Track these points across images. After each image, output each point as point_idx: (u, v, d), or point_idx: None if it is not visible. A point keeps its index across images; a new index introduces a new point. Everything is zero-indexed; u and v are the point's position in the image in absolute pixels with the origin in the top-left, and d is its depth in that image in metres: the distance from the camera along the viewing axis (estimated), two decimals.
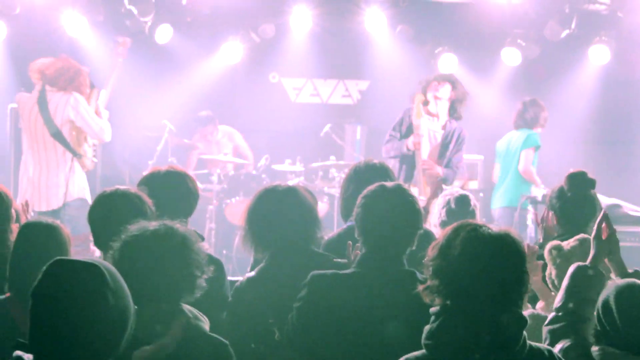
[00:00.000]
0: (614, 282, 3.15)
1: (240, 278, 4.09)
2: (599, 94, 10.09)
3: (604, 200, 7.12)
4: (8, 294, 3.66)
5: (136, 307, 2.44)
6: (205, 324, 3.04)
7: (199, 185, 4.97)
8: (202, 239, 3.64)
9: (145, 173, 8.76)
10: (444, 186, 6.19)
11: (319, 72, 10.88)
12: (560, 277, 3.54)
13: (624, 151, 9.94)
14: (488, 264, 2.67)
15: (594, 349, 3.07)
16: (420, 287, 2.80)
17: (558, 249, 3.84)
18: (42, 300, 2.28)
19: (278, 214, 3.87)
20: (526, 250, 3.96)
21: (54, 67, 7.22)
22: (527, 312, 3.78)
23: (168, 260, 2.97)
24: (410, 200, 3.55)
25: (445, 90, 7.51)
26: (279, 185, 4.04)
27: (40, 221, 3.89)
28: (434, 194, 5.66)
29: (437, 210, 5.05)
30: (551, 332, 3.25)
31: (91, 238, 3.88)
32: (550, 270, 3.82)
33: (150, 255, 2.96)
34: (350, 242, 3.78)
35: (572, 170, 4.79)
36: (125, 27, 9.60)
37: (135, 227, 3.08)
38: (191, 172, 9.26)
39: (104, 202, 3.85)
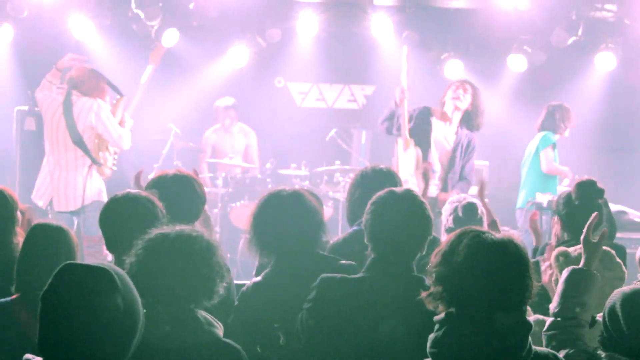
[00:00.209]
0: (621, 289, 3.13)
1: (245, 282, 4.08)
2: (605, 101, 10.09)
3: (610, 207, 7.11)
4: (15, 296, 3.66)
5: (149, 309, 2.45)
6: (219, 330, 3.04)
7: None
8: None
9: (151, 176, 8.88)
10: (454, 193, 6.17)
11: (324, 77, 10.90)
12: None
13: (630, 158, 9.93)
14: (491, 270, 2.67)
15: (602, 355, 3.05)
16: (424, 294, 2.80)
17: (565, 255, 3.84)
18: (52, 304, 2.28)
19: (283, 218, 3.86)
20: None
21: (80, 72, 7.28)
22: (532, 317, 3.79)
23: (192, 264, 2.98)
24: (420, 207, 3.55)
25: (466, 100, 7.53)
26: (283, 190, 4.02)
27: (49, 224, 3.89)
28: (426, 187, 5.67)
29: (444, 217, 5.06)
30: (550, 337, 3.25)
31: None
32: (557, 276, 3.82)
33: (175, 258, 2.97)
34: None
35: (581, 178, 4.79)
36: (132, 31, 9.63)
37: (159, 230, 3.09)
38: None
39: (116, 206, 3.85)
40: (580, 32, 9.13)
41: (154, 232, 3.08)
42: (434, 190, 7.50)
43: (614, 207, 7.55)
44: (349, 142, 10.24)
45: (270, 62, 10.45)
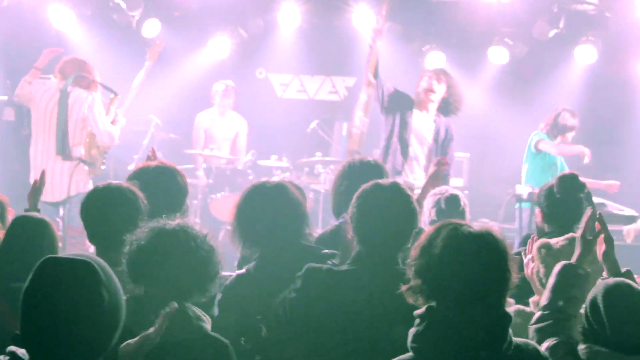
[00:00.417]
0: (603, 281, 3.16)
1: (225, 273, 4.07)
2: (586, 94, 10.13)
3: None
4: None
5: (140, 300, 2.44)
6: (208, 324, 3.05)
7: None
8: None
9: (131, 167, 8.85)
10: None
11: (306, 69, 10.88)
12: (548, 275, 3.55)
13: (610, 150, 9.97)
14: (468, 263, 2.67)
15: (581, 347, 3.07)
16: (404, 287, 2.80)
17: (547, 247, 3.86)
18: (35, 299, 2.27)
19: (267, 210, 3.85)
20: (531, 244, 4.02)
21: (79, 65, 7.24)
22: (512, 308, 3.80)
23: (192, 259, 3.01)
24: (406, 199, 3.54)
25: (441, 90, 7.52)
26: (268, 182, 4.02)
27: (32, 216, 3.87)
28: (430, 187, 5.63)
29: (426, 210, 5.06)
30: (537, 330, 3.26)
31: None
32: (539, 268, 3.83)
33: (176, 252, 3.00)
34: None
35: (563, 172, 4.81)
36: (113, 22, 9.57)
37: (158, 223, 3.11)
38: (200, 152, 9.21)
39: (97, 197, 3.81)
40: (561, 25, 9.18)
41: (154, 224, 3.10)
42: (418, 182, 7.48)
43: (593, 200, 7.60)
44: (330, 134, 10.23)
45: (251, 53, 10.43)
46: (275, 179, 8.33)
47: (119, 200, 3.74)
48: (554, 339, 3.15)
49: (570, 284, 3.28)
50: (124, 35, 9.71)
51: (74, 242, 6.33)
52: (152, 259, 3.01)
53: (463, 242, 2.69)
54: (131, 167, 8.96)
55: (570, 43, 9.54)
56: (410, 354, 2.71)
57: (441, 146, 7.53)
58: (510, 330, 2.71)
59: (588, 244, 3.39)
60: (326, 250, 3.88)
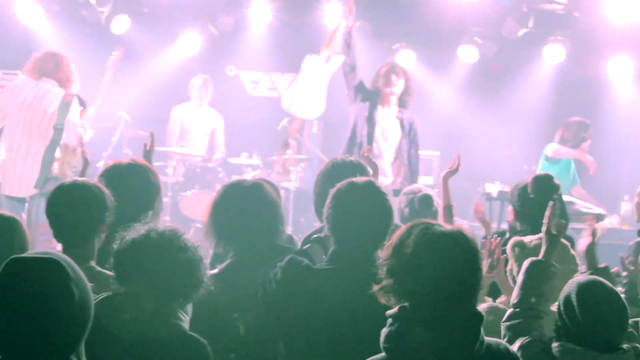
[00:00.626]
0: (576, 279, 3.18)
1: None
2: (554, 93, 10.23)
3: None
4: None
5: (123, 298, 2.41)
6: (185, 323, 3.04)
7: None
8: None
9: (100, 165, 8.77)
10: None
11: (276, 66, 10.86)
12: None
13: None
14: (440, 262, 2.67)
15: (554, 344, 3.09)
16: (376, 287, 2.79)
17: (521, 245, 3.88)
18: (3, 300, 2.23)
19: (243, 209, 3.84)
20: (492, 242, 4.04)
21: (53, 62, 7.10)
22: (485, 305, 3.82)
23: (181, 262, 3.01)
24: (380, 198, 3.53)
25: (401, 84, 7.55)
26: (244, 181, 4.02)
27: (1, 214, 3.81)
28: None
29: (399, 209, 5.06)
30: (509, 328, 3.27)
31: None
32: (512, 266, 3.86)
33: (167, 252, 3.00)
34: None
35: (538, 173, 4.84)
36: (82, 17, 9.49)
37: (149, 225, 3.11)
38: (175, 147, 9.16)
39: (63, 195, 3.76)
40: (530, 24, 9.25)
41: (143, 228, 3.08)
42: (386, 179, 7.49)
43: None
44: (301, 132, 10.22)
45: (221, 51, 10.39)
46: (247, 176, 8.38)
47: (85, 197, 3.69)
48: (527, 337, 3.16)
49: (539, 280, 3.29)
50: (92, 32, 9.63)
51: (42, 239, 6.26)
52: (144, 257, 2.99)
53: (434, 242, 2.69)
54: (100, 165, 8.90)
55: (539, 42, 9.62)
56: (383, 354, 2.71)
57: (409, 142, 7.55)
58: (482, 330, 2.71)
59: (553, 239, 3.41)
60: (304, 247, 3.89)
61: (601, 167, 8.56)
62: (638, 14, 8.65)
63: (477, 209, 5.39)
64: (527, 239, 3.97)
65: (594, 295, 3.05)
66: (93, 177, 5.12)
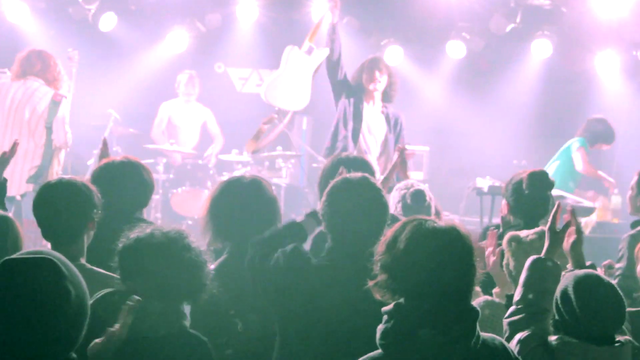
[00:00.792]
0: (572, 272, 3.20)
1: None
2: (541, 88, 10.28)
3: None
4: None
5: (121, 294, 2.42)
6: (186, 321, 3.07)
7: None
8: None
9: (90, 162, 8.74)
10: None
11: (264, 63, 10.85)
12: (518, 269, 3.58)
13: (564, 143, 10.14)
14: (433, 258, 2.68)
15: (552, 338, 3.12)
16: (371, 283, 2.81)
17: (517, 240, 3.88)
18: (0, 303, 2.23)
19: (242, 205, 3.86)
20: (488, 236, 4.06)
21: (40, 61, 7.08)
22: (481, 299, 3.83)
23: (188, 264, 3.03)
24: (376, 194, 3.55)
25: (384, 80, 7.57)
26: (243, 177, 4.04)
27: None
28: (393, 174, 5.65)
29: (392, 204, 5.07)
30: (511, 324, 3.28)
31: None
32: (509, 261, 3.87)
33: (175, 252, 3.02)
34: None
35: (533, 169, 4.86)
36: (68, 15, 9.46)
37: (152, 226, 3.13)
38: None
39: (50, 192, 3.74)
40: (518, 20, 9.29)
41: (151, 226, 3.11)
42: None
43: (553, 192, 7.71)
44: (290, 128, 10.21)
45: (210, 47, 10.38)
46: (237, 173, 8.35)
47: (71, 195, 3.68)
48: (526, 331, 3.18)
49: (541, 277, 3.30)
50: (79, 29, 9.59)
51: (33, 237, 6.24)
52: (147, 255, 3.01)
53: (427, 238, 2.70)
54: (90, 162, 8.89)
55: (526, 37, 9.66)
56: (380, 351, 2.72)
57: (394, 136, 7.57)
58: (477, 325, 2.72)
59: (557, 237, 3.42)
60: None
61: (589, 161, 8.62)
62: (624, 8, 8.69)
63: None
64: (523, 233, 3.97)
65: (591, 289, 3.07)
66: (83, 175, 5.14)
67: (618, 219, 8.40)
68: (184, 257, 3.03)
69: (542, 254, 3.40)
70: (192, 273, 3.05)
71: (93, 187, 3.80)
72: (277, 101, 7.90)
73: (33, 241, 6.10)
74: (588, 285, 3.08)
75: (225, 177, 9.08)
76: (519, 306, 3.29)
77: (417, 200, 5.03)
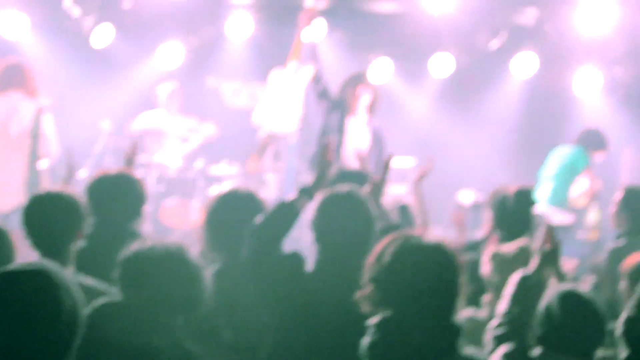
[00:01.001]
0: (556, 287, 3.27)
1: None
2: (525, 104, 10.40)
3: None
4: None
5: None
6: (181, 333, 3.09)
7: None
8: None
9: (81, 174, 8.80)
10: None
11: (256, 77, 10.95)
12: (502, 282, 3.63)
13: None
14: (416, 274, 2.75)
15: (535, 351, 3.17)
16: (358, 294, 2.88)
17: (500, 255, 3.98)
18: None
19: (238, 217, 3.93)
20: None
21: (19, 73, 7.03)
22: (464, 314, 3.93)
23: (183, 277, 3.07)
24: (362, 206, 3.63)
25: (368, 96, 7.70)
26: (239, 189, 4.14)
27: None
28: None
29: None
30: (495, 337, 3.33)
31: None
32: (492, 277, 3.97)
33: (177, 267, 3.05)
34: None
35: (519, 186, 4.96)
36: (64, 28, 9.54)
37: (153, 240, 3.16)
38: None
39: (38, 204, 3.79)
40: (503, 37, 9.42)
41: (152, 240, 3.14)
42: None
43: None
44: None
45: (202, 61, 10.44)
46: (225, 185, 8.39)
47: (59, 206, 3.71)
48: (510, 344, 3.22)
49: (527, 293, 3.34)
50: (75, 43, 9.68)
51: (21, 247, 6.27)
52: (147, 267, 3.04)
53: (411, 254, 2.78)
54: (83, 174, 8.96)
55: (511, 55, 9.78)
56: None
57: (378, 151, 7.66)
58: (459, 342, 2.79)
59: (547, 257, 3.42)
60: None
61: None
62: (607, 25, 8.78)
63: (456, 217, 5.54)
64: (505, 248, 4.06)
65: (574, 304, 3.14)
66: (75, 187, 5.24)
67: (597, 234, 8.46)
68: (182, 271, 3.05)
69: (530, 271, 3.42)
70: (190, 287, 3.06)
71: (80, 198, 3.86)
72: (269, 125, 7.99)
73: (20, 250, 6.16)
74: (572, 300, 3.15)
75: (215, 190, 9.17)
76: (504, 319, 3.33)
77: (402, 213, 5.14)
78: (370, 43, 10.10)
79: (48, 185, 6.95)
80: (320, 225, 3.62)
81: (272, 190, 9.47)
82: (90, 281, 3.58)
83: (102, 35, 9.36)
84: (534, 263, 3.43)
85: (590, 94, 10.00)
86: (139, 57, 10.09)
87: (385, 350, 2.73)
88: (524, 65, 9.69)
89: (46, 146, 7.05)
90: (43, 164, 7.12)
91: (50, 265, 2.34)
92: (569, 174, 8.32)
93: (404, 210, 5.19)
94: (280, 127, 8.10)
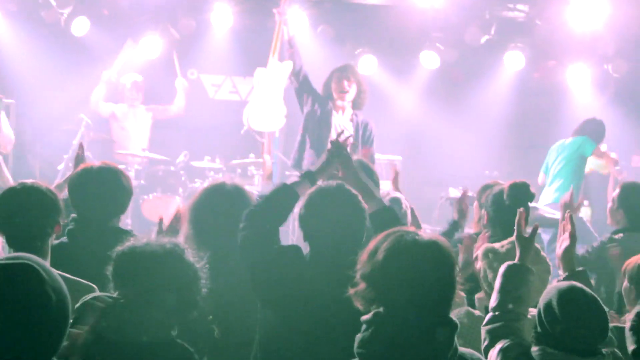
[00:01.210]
0: (555, 285, 3.21)
1: None
2: (514, 99, 10.37)
3: None
4: None
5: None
6: (174, 331, 3.03)
7: None
8: None
9: (60, 167, 8.64)
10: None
11: (238, 70, 10.84)
12: (495, 279, 3.55)
13: (537, 155, 10.22)
14: (410, 270, 2.68)
15: (534, 349, 3.13)
16: (351, 291, 2.81)
17: (494, 252, 3.91)
18: None
19: (225, 212, 3.85)
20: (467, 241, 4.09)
21: None
22: (458, 310, 3.85)
23: (177, 275, 3.00)
24: (351, 200, 3.55)
25: (353, 90, 7.59)
26: (225, 184, 4.02)
27: None
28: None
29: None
30: (489, 332, 3.30)
31: None
32: (487, 273, 3.88)
33: (161, 264, 2.98)
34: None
35: (514, 180, 4.89)
36: (41, 19, 9.37)
37: (148, 238, 3.09)
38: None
39: (13, 197, 3.67)
40: (493, 31, 9.36)
41: (148, 238, 3.07)
42: None
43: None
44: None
45: (183, 54, 10.32)
46: (210, 180, 8.29)
47: (35, 199, 3.63)
48: (507, 340, 3.19)
49: (516, 283, 3.33)
50: (51, 33, 9.51)
51: None
52: (141, 264, 2.97)
53: (406, 250, 2.71)
54: (60, 167, 8.79)
55: (499, 49, 9.74)
56: (357, 359, 2.72)
57: (362, 144, 7.57)
58: (455, 339, 2.72)
59: (526, 243, 3.45)
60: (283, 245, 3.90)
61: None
62: (598, 22, 8.79)
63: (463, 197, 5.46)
64: (497, 245, 4.01)
65: (575, 302, 3.09)
66: (52, 181, 5.07)
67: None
68: (179, 270, 3.00)
69: (516, 260, 3.43)
70: (186, 287, 3.01)
71: (58, 192, 3.76)
72: (258, 126, 7.95)
73: None
74: (572, 298, 3.10)
75: (197, 184, 9.06)
76: (496, 312, 3.31)
77: (393, 207, 5.04)
78: (355, 36, 9.99)
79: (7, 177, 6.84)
80: (309, 222, 3.53)
81: (256, 184, 9.37)
82: (68, 276, 3.42)
83: (79, 26, 9.20)
84: (517, 252, 3.45)
85: (580, 89, 9.98)
86: (118, 49, 9.92)
87: (378, 345, 2.67)
88: (514, 61, 9.62)
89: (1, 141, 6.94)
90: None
91: (36, 259, 2.28)
92: (577, 166, 8.36)
93: (395, 202, 5.06)
94: (269, 127, 8.00)
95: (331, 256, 3.45)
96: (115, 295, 3.00)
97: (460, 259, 4.26)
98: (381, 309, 2.70)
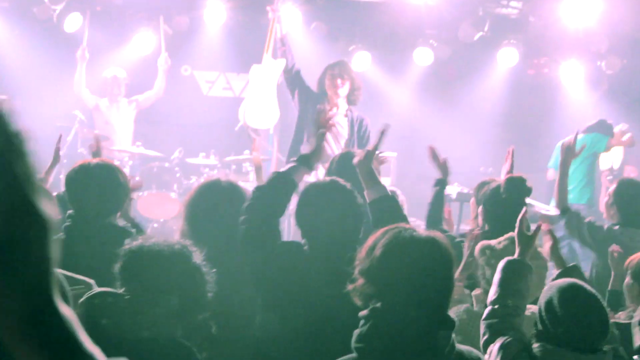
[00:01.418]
0: (555, 283, 3.22)
1: None
2: (508, 96, 10.38)
3: None
4: None
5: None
6: (175, 329, 3.02)
7: None
8: None
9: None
10: None
11: (231, 66, 10.82)
12: (492, 276, 3.53)
13: (530, 151, 10.24)
14: (407, 266, 2.69)
15: (535, 345, 3.12)
16: (350, 287, 2.81)
17: (491, 248, 3.90)
18: None
19: (220, 208, 3.85)
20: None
21: None
22: (457, 307, 3.84)
23: (183, 275, 3.00)
24: (346, 196, 3.54)
25: (346, 87, 7.58)
26: (220, 181, 4.02)
27: None
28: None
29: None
30: (488, 326, 3.28)
31: None
32: (484, 270, 3.88)
33: (168, 263, 2.99)
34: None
35: (512, 174, 4.88)
36: (33, 15, 9.33)
37: (157, 238, 3.10)
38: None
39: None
40: (486, 28, 9.36)
41: (156, 237, 3.08)
42: None
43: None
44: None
45: (176, 50, 10.29)
46: (205, 176, 8.29)
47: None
48: (507, 337, 3.18)
49: (515, 278, 3.33)
50: (44, 29, 9.47)
51: None
52: (148, 262, 2.98)
53: (404, 246, 2.71)
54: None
55: (493, 46, 9.74)
56: (354, 354, 2.72)
57: (358, 140, 7.56)
58: (453, 335, 2.73)
59: (527, 240, 3.44)
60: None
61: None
62: (591, 18, 8.81)
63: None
64: (494, 241, 4.00)
65: (575, 299, 3.09)
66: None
67: None
68: (182, 271, 3.00)
69: (515, 256, 3.42)
70: (189, 288, 3.00)
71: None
72: (254, 123, 7.96)
73: None
74: (573, 295, 3.09)
75: (193, 180, 9.05)
76: (495, 306, 3.30)
77: None
78: (349, 33, 9.98)
79: None
80: (305, 219, 3.54)
81: (251, 180, 9.37)
82: (67, 273, 3.38)
83: (72, 22, 9.17)
84: (517, 248, 3.44)
85: (573, 86, 10.00)
86: (111, 45, 9.90)
87: (375, 341, 2.68)
88: (507, 57, 9.64)
89: None
90: None
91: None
92: (591, 164, 8.54)
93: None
94: (265, 124, 8.00)
95: (329, 252, 3.44)
96: (120, 292, 3.00)
97: (466, 254, 4.24)
98: (379, 305, 2.70)
